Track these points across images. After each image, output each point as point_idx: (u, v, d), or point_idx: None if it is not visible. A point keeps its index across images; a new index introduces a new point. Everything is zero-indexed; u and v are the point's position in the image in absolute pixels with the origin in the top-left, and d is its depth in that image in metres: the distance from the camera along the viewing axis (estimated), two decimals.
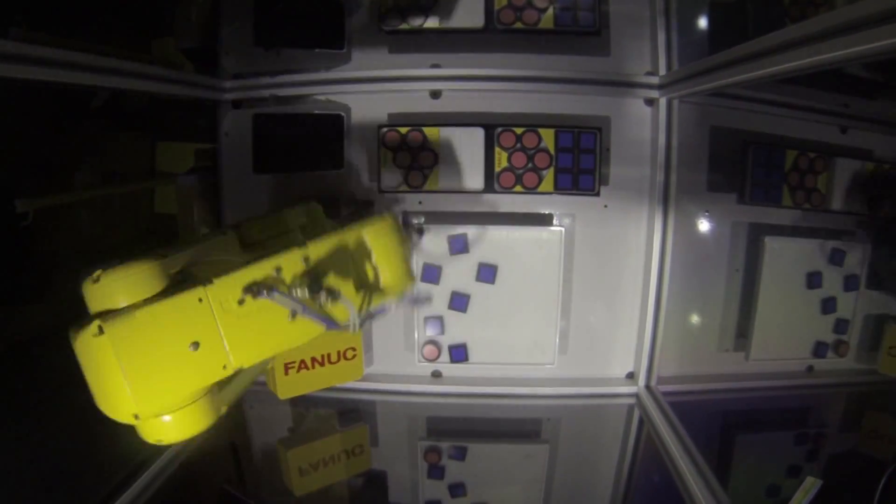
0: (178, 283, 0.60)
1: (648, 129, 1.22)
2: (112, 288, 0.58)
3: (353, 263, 0.69)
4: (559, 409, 1.33)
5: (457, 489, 1.14)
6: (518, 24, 1.17)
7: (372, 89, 1.23)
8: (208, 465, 1.16)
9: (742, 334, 1.31)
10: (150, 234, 2.04)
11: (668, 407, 1.19)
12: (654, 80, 1.21)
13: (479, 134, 1.19)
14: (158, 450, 1.05)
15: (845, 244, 1.31)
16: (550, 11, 1.17)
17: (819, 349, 1.32)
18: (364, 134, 1.24)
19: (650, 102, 1.22)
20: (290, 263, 0.63)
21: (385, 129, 1.19)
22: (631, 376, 1.31)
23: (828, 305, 1.31)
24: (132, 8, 1.92)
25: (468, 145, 1.19)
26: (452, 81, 1.22)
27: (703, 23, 1.30)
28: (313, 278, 0.62)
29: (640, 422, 1.25)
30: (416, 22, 1.19)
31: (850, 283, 1.31)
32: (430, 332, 1.24)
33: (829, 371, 1.36)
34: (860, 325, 1.36)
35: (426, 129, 1.19)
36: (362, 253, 0.71)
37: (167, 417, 0.61)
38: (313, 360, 1.13)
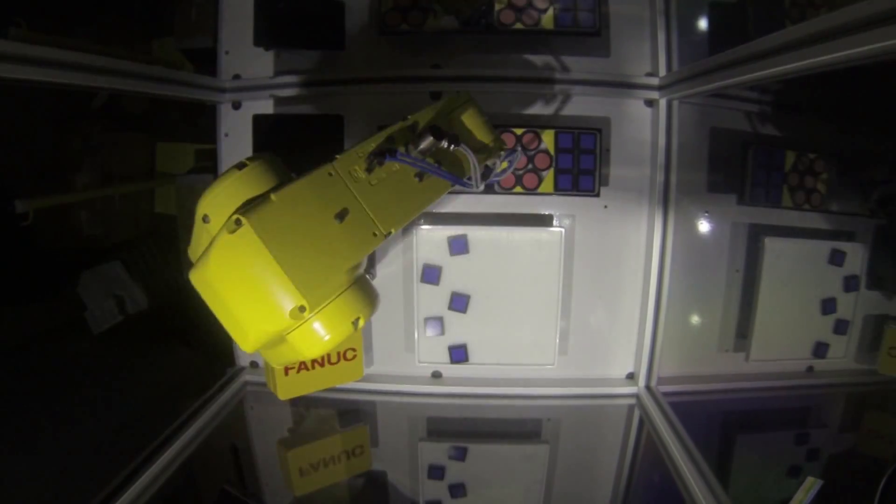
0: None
1: (648, 129, 1.23)
2: (256, 173, 0.57)
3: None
4: (559, 410, 1.33)
5: (457, 489, 1.14)
6: (518, 25, 1.17)
7: (372, 90, 1.23)
8: (208, 466, 1.16)
9: (742, 335, 1.31)
10: (150, 234, 2.04)
11: (668, 407, 1.19)
12: (654, 81, 1.21)
13: None
14: (158, 449, 1.05)
15: (845, 245, 1.31)
16: (550, 12, 1.17)
17: (819, 349, 1.32)
18: (364, 135, 1.23)
19: (650, 103, 1.22)
20: (401, 134, 0.66)
21: None
22: (631, 377, 1.31)
23: (828, 306, 1.31)
24: (132, 8, 1.92)
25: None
26: (452, 82, 1.22)
27: (703, 24, 1.30)
28: (433, 128, 0.65)
29: (641, 422, 1.26)
30: (416, 22, 1.19)
31: (850, 284, 1.31)
32: (430, 332, 1.24)
33: (829, 371, 1.36)
34: (860, 325, 1.36)
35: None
36: (455, 123, 0.76)
37: (320, 327, 0.58)
38: (313, 360, 1.13)
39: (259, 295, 0.55)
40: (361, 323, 0.61)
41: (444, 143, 0.66)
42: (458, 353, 1.24)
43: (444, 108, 0.77)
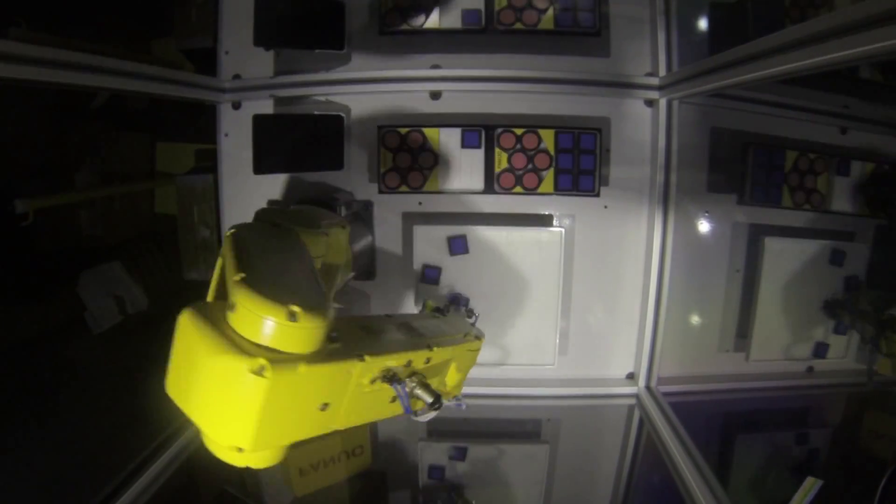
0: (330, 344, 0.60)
1: (648, 129, 1.23)
2: (298, 331, 0.54)
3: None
4: (559, 410, 1.33)
5: (457, 489, 1.15)
6: (518, 25, 1.17)
7: (372, 90, 1.23)
8: (208, 466, 1.16)
9: (742, 335, 1.31)
10: (150, 234, 2.05)
11: (668, 407, 1.19)
12: (654, 80, 1.21)
13: (479, 135, 1.19)
14: (159, 448, 1.05)
15: (845, 245, 1.31)
16: (550, 12, 1.17)
17: (819, 349, 1.32)
18: (364, 134, 1.24)
19: (650, 103, 1.22)
20: (418, 360, 0.68)
21: (385, 130, 1.19)
22: (631, 377, 1.31)
23: (828, 306, 1.31)
24: (132, 8, 1.92)
25: (468, 146, 1.19)
26: (452, 82, 1.22)
27: (703, 24, 1.30)
28: (437, 398, 0.67)
29: (641, 422, 1.26)
30: (416, 22, 1.19)
31: (850, 284, 1.31)
32: None
33: (829, 371, 1.36)
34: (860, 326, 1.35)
35: (426, 130, 1.19)
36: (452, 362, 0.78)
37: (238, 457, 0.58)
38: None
39: (228, 421, 0.54)
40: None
41: (429, 404, 0.67)
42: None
43: (462, 351, 0.78)
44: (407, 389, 0.64)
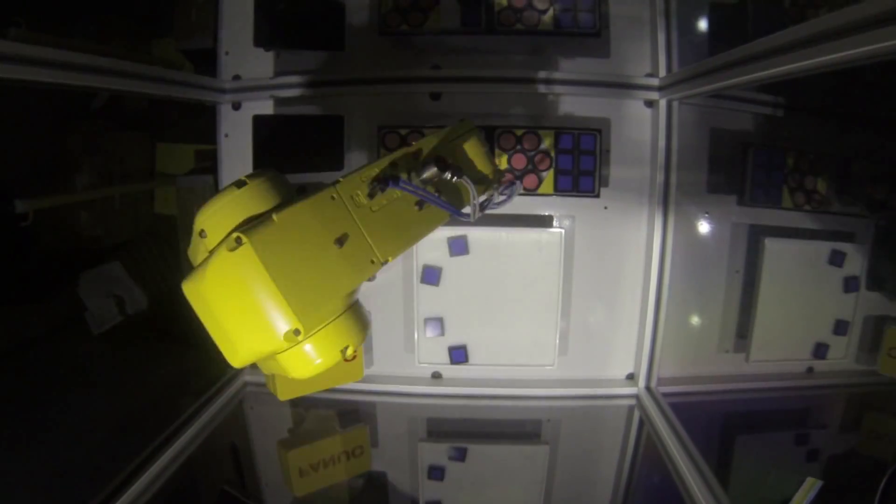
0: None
1: (648, 130, 1.23)
2: (256, 192, 0.56)
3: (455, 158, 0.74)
4: (559, 411, 1.33)
5: (457, 490, 1.14)
6: (518, 26, 1.17)
7: (372, 90, 1.23)
8: (208, 466, 1.16)
9: (742, 335, 1.31)
10: (150, 234, 2.04)
11: (668, 408, 1.19)
12: (654, 81, 1.21)
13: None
14: (159, 449, 1.05)
15: (845, 245, 1.31)
16: (550, 13, 1.17)
17: (819, 350, 1.32)
18: (364, 135, 1.24)
19: (650, 104, 1.22)
20: (404, 160, 0.66)
21: (385, 131, 1.19)
22: (631, 377, 1.31)
23: (828, 307, 1.31)
24: (132, 8, 1.92)
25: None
26: (452, 83, 1.22)
27: (703, 24, 1.30)
28: (438, 158, 0.65)
29: (641, 423, 1.26)
30: (416, 22, 1.19)
31: (850, 285, 1.31)
32: (430, 333, 1.24)
33: (829, 372, 1.36)
34: (860, 326, 1.36)
35: (426, 131, 1.19)
36: (457, 152, 0.76)
37: (311, 350, 0.57)
38: None
39: (254, 315, 0.54)
40: (350, 351, 0.60)
41: (448, 175, 0.66)
42: (459, 354, 1.24)
43: (448, 135, 0.77)
44: (412, 182, 0.62)
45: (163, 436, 1.08)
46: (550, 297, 1.22)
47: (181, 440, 1.08)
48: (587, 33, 1.18)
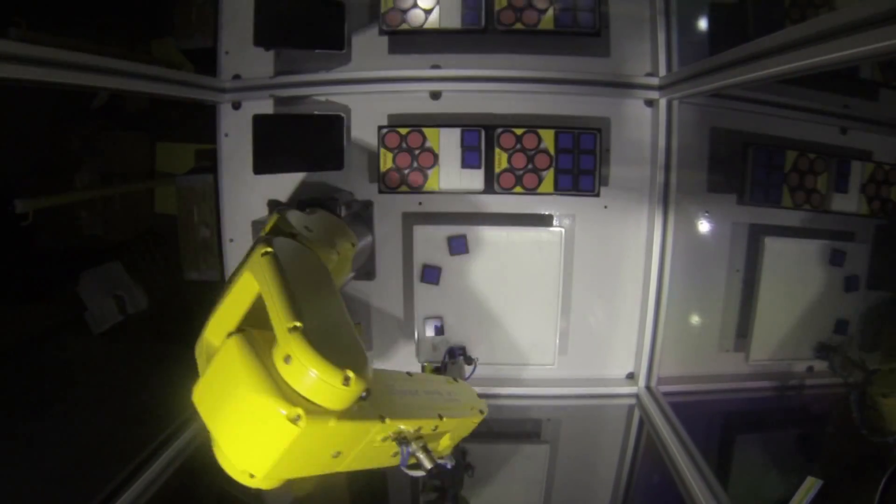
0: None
1: (648, 129, 1.23)
2: (343, 392, 0.56)
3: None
4: (559, 410, 1.33)
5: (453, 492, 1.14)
6: (518, 25, 1.17)
7: (372, 90, 1.23)
8: (208, 466, 1.15)
9: (742, 335, 1.31)
10: (150, 234, 2.05)
11: (668, 407, 1.19)
12: (654, 80, 1.21)
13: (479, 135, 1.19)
14: (158, 449, 1.05)
15: (845, 245, 1.31)
16: (550, 12, 1.17)
17: (819, 350, 1.32)
18: (364, 135, 1.24)
19: (650, 103, 1.22)
20: (427, 426, 0.71)
21: (385, 130, 1.19)
22: (631, 377, 1.31)
23: (828, 307, 1.31)
24: (132, 8, 1.92)
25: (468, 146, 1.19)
26: (452, 82, 1.22)
27: (703, 24, 1.30)
28: (426, 447, 0.69)
29: (641, 422, 1.26)
30: (416, 22, 1.19)
31: (850, 284, 1.31)
32: (430, 332, 1.24)
33: (830, 372, 1.36)
34: (860, 325, 1.36)
35: (426, 130, 1.19)
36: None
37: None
38: None
39: (251, 450, 0.57)
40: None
41: (421, 456, 0.69)
42: (457, 353, 1.24)
43: (465, 423, 0.80)
44: (411, 450, 0.68)
45: (163, 435, 1.08)
46: (550, 296, 1.22)
47: (181, 440, 1.08)
48: (587, 33, 1.18)
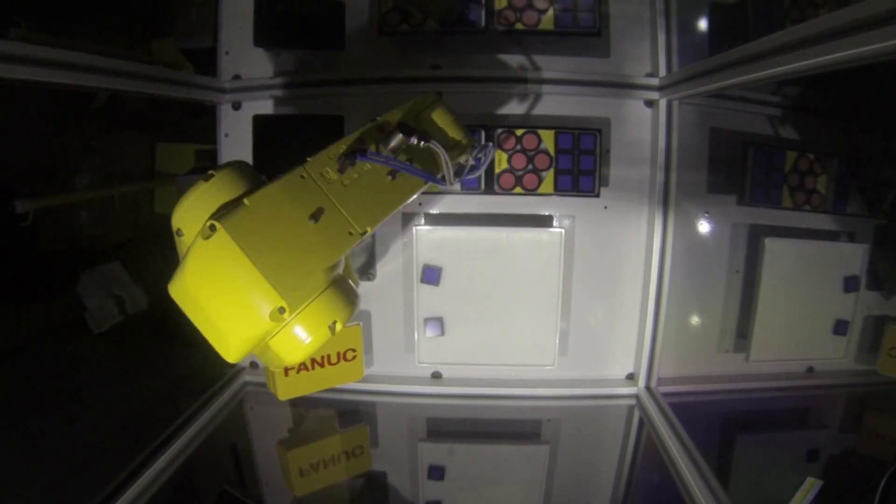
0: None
1: (648, 130, 1.23)
2: (224, 182, 0.57)
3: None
4: (559, 411, 1.33)
5: (457, 490, 1.14)
6: (518, 25, 1.17)
7: (372, 90, 1.23)
8: (208, 466, 1.16)
9: (742, 335, 1.31)
10: (150, 234, 2.04)
11: (668, 408, 1.19)
12: (654, 81, 1.21)
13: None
14: (159, 449, 1.05)
15: (845, 245, 1.31)
16: (550, 13, 1.17)
17: (819, 349, 1.32)
18: None
19: (650, 104, 1.22)
20: (371, 134, 0.68)
21: None
22: (631, 377, 1.31)
23: (828, 307, 1.31)
24: (132, 8, 1.92)
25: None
26: (453, 82, 1.22)
27: (703, 24, 1.30)
28: (402, 124, 0.66)
29: (641, 423, 1.26)
30: (416, 22, 1.18)
31: (850, 285, 1.31)
32: (430, 332, 1.24)
33: (829, 372, 1.36)
34: (860, 326, 1.36)
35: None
36: (425, 122, 0.77)
37: (300, 330, 0.58)
38: (313, 361, 1.13)
39: (238, 300, 0.55)
40: (339, 326, 0.61)
41: (414, 140, 0.67)
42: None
43: (413, 108, 0.77)
44: (380, 153, 0.64)
45: (163, 435, 1.08)
46: (550, 296, 1.22)
47: (181, 440, 1.08)
48: (587, 33, 1.18)
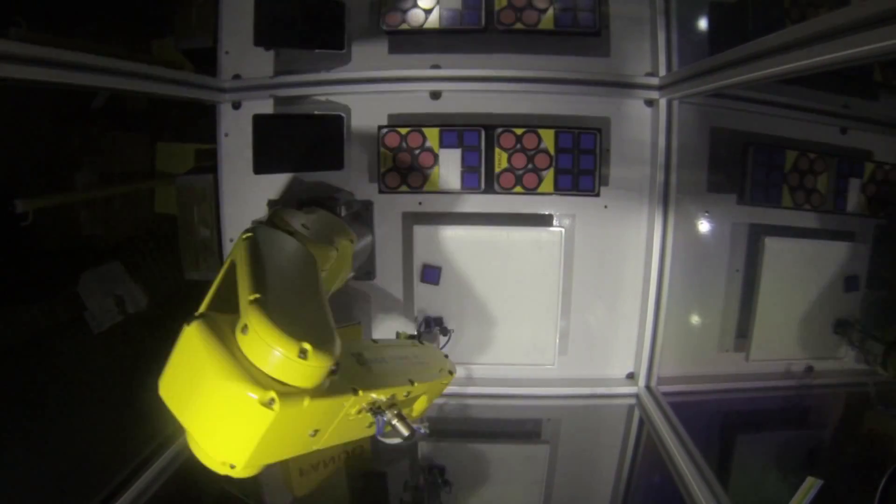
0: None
1: (648, 129, 1.23)
2: (306, 368, 0.54)
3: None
4: (559, 410, 1.33)
5: (457, 490, 1.15)
6: (518, 25, 1.17)
7: (372, 90, 1.23)
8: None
9: (742, 334, 1.31)
10: (150, 234, 2.04)
11: (668, 407, 1.19)
12: (654, 80, 1.21)
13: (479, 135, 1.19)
14: (158, 448, 1.05)
15: (845, 245, 1.31)
16: (550, 12, 1.17)
17: (819, 350, 1.32)
18: (364, 135, 1.24)
19: (650, 103, 1.22)
20: (399, 393, 0.71)
21: (385, 130, 1.19)
22: (631, 377, 1.31)
23: (828, 307, 1.31)
24: (132, 8, 1.92)
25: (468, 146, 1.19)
26: (452, 82, 1.22)
27: (703, 23, 1.30)
28: (401, 414, 0.69)
29: (641, 422, 1.26)
30: (416, 22, 1.19)
31: (850, 284, 1.31)
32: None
33: (829, 371, 1.36)
34: (860, 326, 1.35)
35: (426, 130, 1.19)
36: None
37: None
38: None
39: (228, 440, 0.56)
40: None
41: (395, 421, 0.69)
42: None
43: (436, 385, 0.80)
44: (386, 419, 0.68)
45: (163, 435, 1.08)
46: (550, 296, 1.22)
47: (182, 440, 1.08)
48: (587, 32, 1.18)
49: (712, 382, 1.32)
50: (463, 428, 1.33)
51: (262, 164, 1.15)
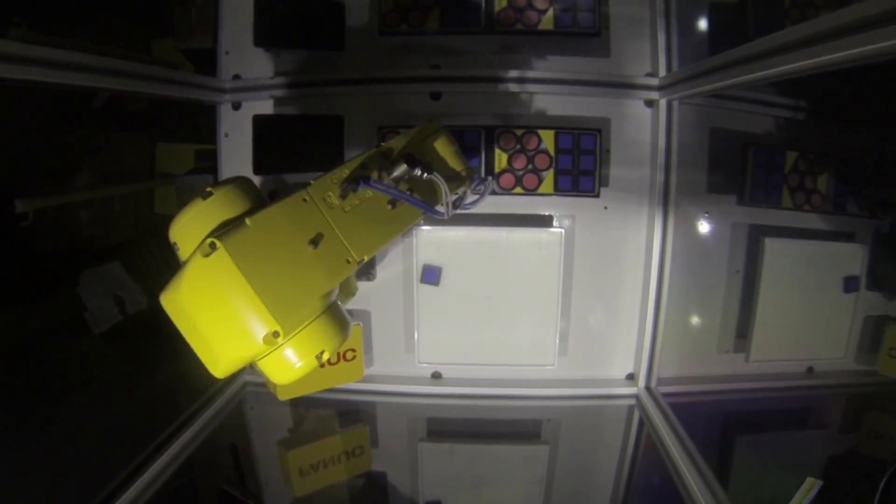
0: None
1: (648, 130, 1.23)
2: (224, 200, 0.56)
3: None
4: (559, 411, 1.33)
5: (457, 490, 1.14)
6: (518, 26, 1.17)
7: (372, 90, 1.23)
8: (208, 466, 1.16)
9: (742, 335, 1.31)
10: (150, 234, 2.04)
11: (668, 408, 1.19)
12: (654, 81, 1.21)
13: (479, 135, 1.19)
14: (158, 449, 1.05)
15: (845, 245, 1.31)
16: (550, 13, 1.17)
17: (818, 350, 1.32)
18: (364, 135, 1.24)
19: (650, 104, 1.22)
20: (374, 160, 0.67)
21: (385, 131, 1.19)
22: (631, 377, 1.31)
23: (828, 306, 1.31)
24: (132, 8, 1.92)
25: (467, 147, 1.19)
26: (452, 82, 1.22)
27: (703, 24, 1.30)
28: (407, 155, 0.66)
29: (640, 423, 1.25)
30: (416, 22, 1.18)
31: (849, 285, 1.31)
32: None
33: (829, 372, 1.36)
34: (860, 326, 1.36)
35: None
36: (428, 151, 0.77)
37: (291, 354, 0.58)
38: None
39: (232, 320, 0.54)
40: (325, 356, 0.61)
41: (418, 171, 0.67)
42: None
43: (417, 135, 0.78)
44: (383, 181, 0.64)
45: (163, 436, 1.08)
46: (550, 296, 1.22)
47: (181, 440, 1.08)
48: (587, 33, 1.18)
49: (712, 383, 1.32)
50: (462, 428, 1.33)
51: (262, 164, 1.15)
